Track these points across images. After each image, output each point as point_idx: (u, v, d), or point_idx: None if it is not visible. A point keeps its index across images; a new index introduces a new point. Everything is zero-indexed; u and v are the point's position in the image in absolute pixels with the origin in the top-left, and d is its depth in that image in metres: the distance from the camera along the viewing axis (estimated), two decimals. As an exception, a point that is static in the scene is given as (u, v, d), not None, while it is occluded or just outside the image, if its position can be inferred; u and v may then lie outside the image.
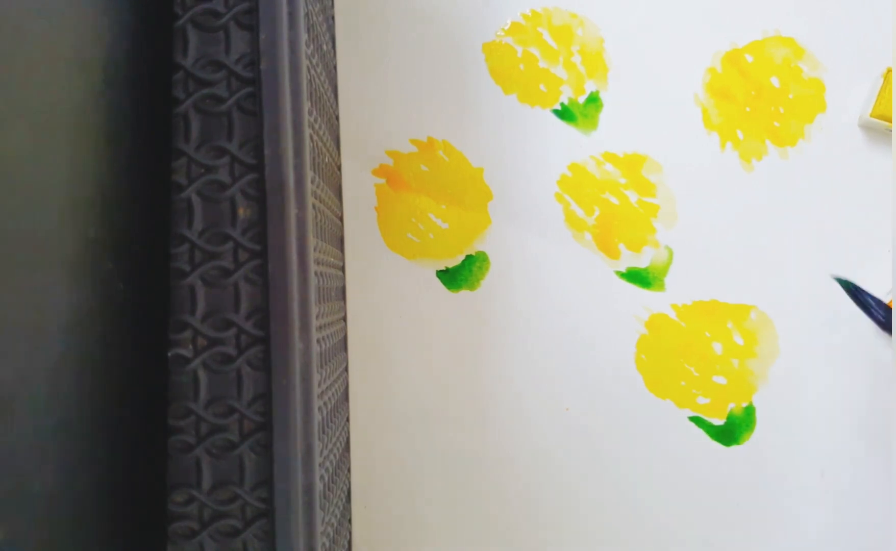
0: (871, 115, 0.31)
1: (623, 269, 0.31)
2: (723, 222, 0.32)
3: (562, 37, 0.32)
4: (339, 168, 0.31)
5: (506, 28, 0.32)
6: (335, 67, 0.31)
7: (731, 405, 0.31)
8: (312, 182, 0.20)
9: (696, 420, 0.31)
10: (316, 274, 0.20)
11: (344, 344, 0.30)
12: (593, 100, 0.32)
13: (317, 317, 0.20)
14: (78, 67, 0.16)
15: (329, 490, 0.22)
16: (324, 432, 0.21)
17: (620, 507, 0.31)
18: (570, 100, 0.32)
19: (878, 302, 0.28)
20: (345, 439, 0.29)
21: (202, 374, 0.18)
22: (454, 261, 0.32)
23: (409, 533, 0.31)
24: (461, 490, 0.31)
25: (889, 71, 0.31)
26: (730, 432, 0.31)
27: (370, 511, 0.31)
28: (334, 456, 0.24)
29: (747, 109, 0.32)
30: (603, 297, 0.31)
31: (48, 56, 0.15)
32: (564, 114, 0.32)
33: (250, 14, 0.18)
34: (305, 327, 0.18)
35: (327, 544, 0.21)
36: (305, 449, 0.18)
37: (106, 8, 0.17)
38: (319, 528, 0.18)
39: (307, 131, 0.19)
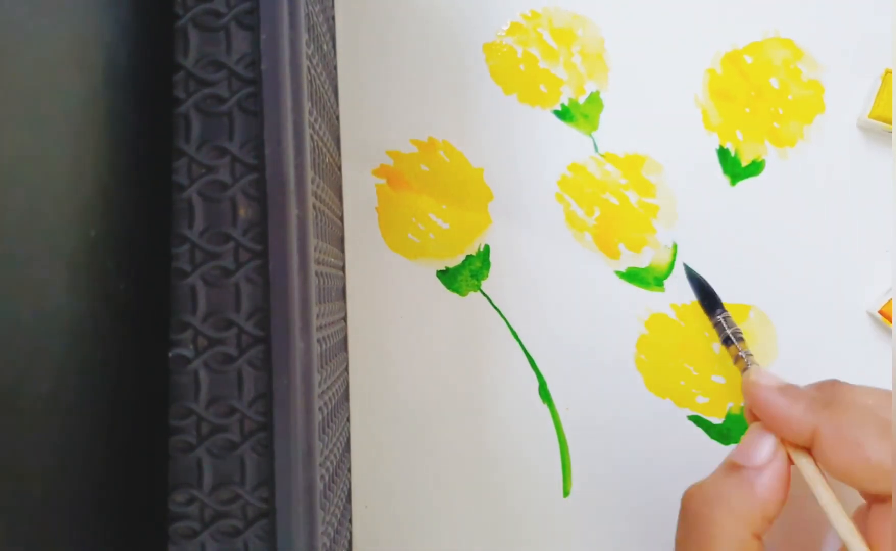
0: (869, 117, 0.31)
1: (623, 269, 0.31)
2: (722, 222, 0.32)
3: (562, 37, 0.32)
4: (340, 168, 0.31)
5: (506, 28, 0.32)
6: (335, 67, 0.31)
7: (730, 404, 0.31)
8: (313, 182, 0.20)
9: (696, 419, 0.31)
10: (316, 274, 0.20)
11: (344, 344, 0.30)
12: (593, 100, 0.32)
13: (317, 316, 0.20)
14: (78, 67, 0.16)
15: (329, 490, 0.22)
16: (324, 432, 0.21)
17: (621, 506, 0.31)
18: (571, 100, 0.32)
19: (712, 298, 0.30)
20: (345, 439, 0.29)
21: (203, 374, 0.18)
22: (454, 260, 0.32)
23: (409, 533, 0.31)
24: (461, 489, 0.31)
25: (888, 72, 0.31)
26: (728, 431, 0.31)
27: (370, 511, 0.31)
28: (335, 456, 0.24)
29: (747, 110, 0.32)
30: (603, 297, 0.31)
31: (48, 56, 0.15)
32: (565, 114, 0.32)
33: (251, 14, 0.18)
34: (306, 327, 0.18)
35: (328, 544, 0.21)
36: (306, 449, 0.18)
37: (106, 8, 0.17)
38: (320, 528, 0.18)
39: (308, 131, 0.19)
